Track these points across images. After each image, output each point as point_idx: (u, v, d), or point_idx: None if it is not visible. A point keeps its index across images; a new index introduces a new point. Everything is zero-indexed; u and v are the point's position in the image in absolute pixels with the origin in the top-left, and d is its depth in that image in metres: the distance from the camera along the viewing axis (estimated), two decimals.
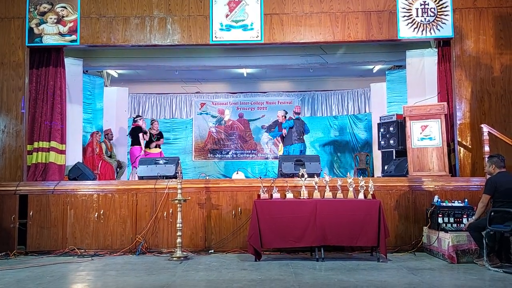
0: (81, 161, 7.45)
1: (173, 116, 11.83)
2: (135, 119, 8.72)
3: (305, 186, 5.29)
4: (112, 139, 9.13)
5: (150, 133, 8.80)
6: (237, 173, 7.77)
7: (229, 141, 11.74)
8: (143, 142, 8.57)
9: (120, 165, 8.87)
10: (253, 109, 11.80)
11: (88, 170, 6.53)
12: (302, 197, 5.23)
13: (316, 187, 5.26)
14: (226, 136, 11.78)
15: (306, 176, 5.31)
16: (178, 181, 5.26)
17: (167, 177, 5.83)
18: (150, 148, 8.74)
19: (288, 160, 6.02)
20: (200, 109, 11.87)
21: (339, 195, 5.27)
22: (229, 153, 11.65)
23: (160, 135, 9.08)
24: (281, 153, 8.95)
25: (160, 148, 9.04)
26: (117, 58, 8.65)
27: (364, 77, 10.78)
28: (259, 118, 11.72)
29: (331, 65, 8.59)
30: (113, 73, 10.24)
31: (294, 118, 8.88)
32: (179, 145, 11.67)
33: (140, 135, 8.53)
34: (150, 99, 11.85)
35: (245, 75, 10.78)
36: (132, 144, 8.59)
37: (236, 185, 5.75)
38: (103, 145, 8.75)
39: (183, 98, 11.87)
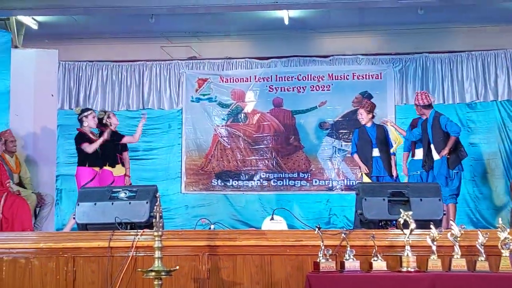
0: None
1: (143, 106, 12.00)
2: (81, 118, 8.85)
3: (412, 247, 5.21)
4: (14, 151, 9.21)
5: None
6: (272, 218, 7.72)
7: (254, 155, 11.78)
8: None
9: (41, 202, 8.99)
10: (302, 89, 11.83)
11: None
12: (405, 269, 5.15)
13: (435, 248, 5.17)
14: (249, 145, 11.83)
15: (413, 225, 5.22)
16: (156, 233, 5.27)
17: (134, 226, 5.86)
18: (104, 168, 8.91)
19: (375, 193, 5.95)
20: (197, 91, 11.98)
21: (482, 264, 5.16)
22: (255, 179, 11.69)
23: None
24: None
25: (124, 165, 9.20)
26: None
27: None
28: (315, 107, 11.74)
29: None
30: (30, 21, 10.52)
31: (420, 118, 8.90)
32: (156, 163, 11.83)
33: (84, 145, 8.68)
34: (100, 73, 12.08)
35: (286, 22, 10.80)
36: (79, 163, 8.76)
37: (270, 242, 5.70)
38: (9, 161, 8.91)
39: (163, 69, 12.03)
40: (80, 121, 8.84)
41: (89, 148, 8.73)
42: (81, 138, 8.82)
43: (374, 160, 9.23)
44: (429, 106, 8.76)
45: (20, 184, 9.11)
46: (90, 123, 8.79)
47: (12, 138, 9.22)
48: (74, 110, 9.26)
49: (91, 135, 8.86)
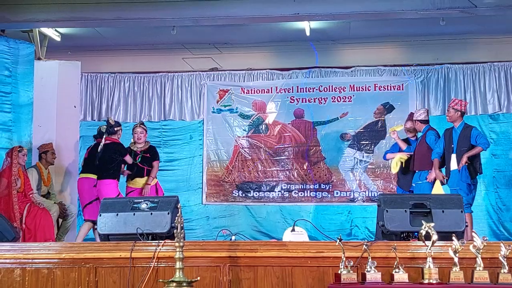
0: None
1: (165, 117, 12.12)
2: (110, 129, 8.90)
3: (434, 258, 5.18)
4: (53, 163, 9.39)
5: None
6: (293, 230, 7.72)
7: (275, 166, 11.80)
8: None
9: (64, 213, 9.06)
10: (323, 100, 11.85)
11: (4, 221, 6.71)
12: (426, 281, 5.12)
13: (456, 260, 5.13)
14: (270, 156, 11.85)
15: (435, 237, 5.20)
16: (177, 244, 5.29)
17: (156, 237, 5.88)
18: (132, 181, 9.05)
19: (397, 204, 5.92)
20: (218, 102, 12.05)
21: (505, 276, 5.12)
22: (276, 190, 11.71)
23: (151, 153, 9.28)
24: None
25: (155, 178, 9.29)
26: (60, 6, 8.99)
27: None
28: (337, 118, 11.76)
29: (485, 10, 8.56)
30: (53, 33, 10.67)
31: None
32: (178, 174, 11.90)
33: (128, 158, 8.87)
34: (122, 85, 12.21)
35: (307, 33, 10.83)
36: (103, 176, 8.80)
37: (292, 254, 5.68)
38: (34, 174, 9.02)
39: (185, 81, 12.13)
40: (112, 133, 8.90)
41: (130, 160, 8.96)
42: (124, 148, 8.94)
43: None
44: (463, 114, 8.73)
45: (46, 196, 9.21)
46: (119, 137, 8.93)
47: (53, 151, 9.39)
48: (108, 119, 9.31)
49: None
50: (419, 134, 9.19)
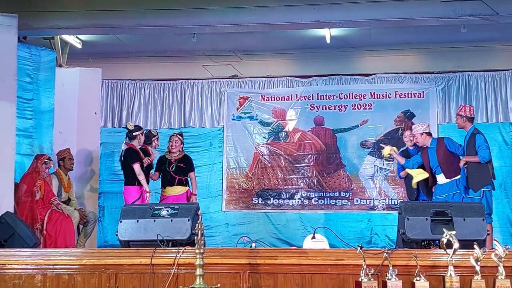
0: (11, 209, 7.76)
1: (185, 124, 12.19)
2: (130, 135, 8.96)
3: (455, 267, 5.16)
4: (72, 168, 9.47)
5: (167, 159, 9.24)
6: (313, 237, 7.72)
7: (295, 173, 11.81)
8: (143, 177, 8.90)
9: (84, 219, 9.12)
10: (343, 108, 11.85)
11: (25, 227, 6.77)
12: None
13: (478, 268, 5.10)
14: (290, 163, 11.86)
15: (456, 245, 5.17)
16: (198, 251, 5.31)
17: (176, 243, 5.90)
18: (164, 189, 9.19)
19: (417, 212, 5.90)
20: (238, 109, 12.10)
21: None
22: (296, 197, 11.71)
23: (186, 164, 9.39)
24: None
25: (187, 185, 9.40)
26: (82, 13, 9.11)
27: None
28: (357, 126, 11.76)
29: (507, 17, 8.54)
30: (74, 40, 10.79)
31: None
32: (198, 181, 11.65)
33: (136, 166, 8.79)
34: (143, 92, 12.29)
35: (328, 40, 10.85)
36: (126, 182, 8.90)
37: (312, 261, 5.66)
38: (54, 181, 9.08)
39: (205, 88, 12.19)
40: (132, 138, 8.96)
41: (138, 170, 8.84)
42: (135, 155, 8.92)
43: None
44: (472, 120, 8.71)
45: (66, 203, 9.29)
46: (141, 141, 8.95)
47: (70, 156, 9.47)
48: (127, 124, 9.35)
49: (142, 155, 9.01)
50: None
